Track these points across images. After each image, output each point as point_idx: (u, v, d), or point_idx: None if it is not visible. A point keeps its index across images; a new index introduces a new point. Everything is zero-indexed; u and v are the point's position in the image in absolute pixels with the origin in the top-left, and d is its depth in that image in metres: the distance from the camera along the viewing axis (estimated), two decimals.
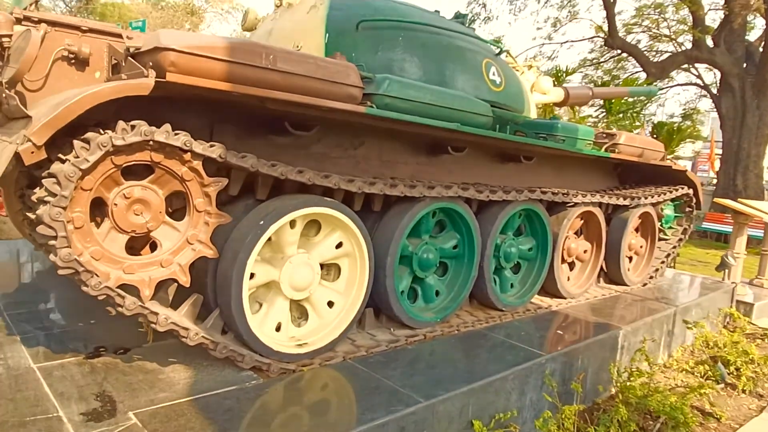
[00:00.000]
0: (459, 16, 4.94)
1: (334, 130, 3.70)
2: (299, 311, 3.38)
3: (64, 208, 2.13)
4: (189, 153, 2.43)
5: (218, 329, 2.92)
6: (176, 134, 2.38)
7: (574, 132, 4.59)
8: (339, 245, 3.30)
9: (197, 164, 2.48)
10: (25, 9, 2.50)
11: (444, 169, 4.48)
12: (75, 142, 2.15)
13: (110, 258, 2.35)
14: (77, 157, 2.14)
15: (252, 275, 2.93)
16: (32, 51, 2.25)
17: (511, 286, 4.65)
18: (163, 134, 2.34)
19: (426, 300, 3.98)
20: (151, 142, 2.32)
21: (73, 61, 2.68)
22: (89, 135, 2.18)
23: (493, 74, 4.45)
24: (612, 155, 5.08)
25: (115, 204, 2.36)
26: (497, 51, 4.67)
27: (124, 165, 2.34)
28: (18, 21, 2.54)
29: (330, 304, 3.34)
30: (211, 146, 2.51)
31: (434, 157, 4.36)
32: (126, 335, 3.22)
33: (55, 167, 2.11)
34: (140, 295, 2.44)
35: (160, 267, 2.48)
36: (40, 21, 2.55)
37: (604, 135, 5.22)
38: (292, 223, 3.05)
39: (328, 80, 2.84)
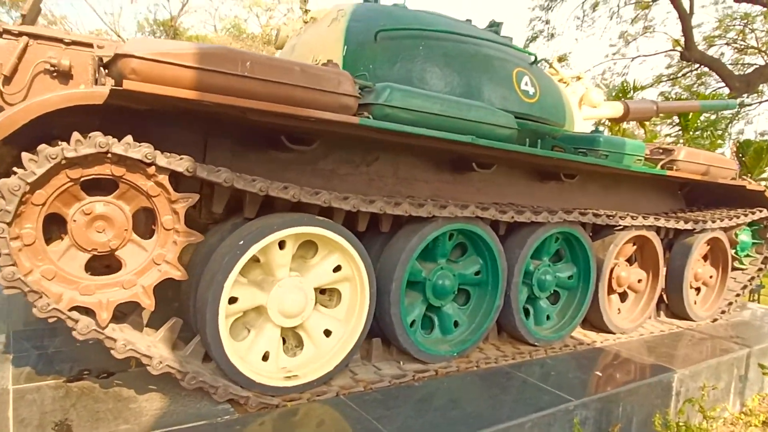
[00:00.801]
0: (493, 25, 4.60)
1: (343, 146, 3.47)
2: (296, 339, 3.12)
3: (9, 224, 2.00)
4: (153, 166, 2.26)
5: (199, 356, 2.72)
6: (137, 146, 2.22)
7: (620, 147, 4.09)
8: (337, 269, 3.03)
9: (163, 179, 2.31)
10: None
11: (471, 188, 4.13)
12: (23, 154, 2.03)
13: (65, 278, 2.20)
14: (25, 170, 2.01)
15: (235, 299, 2.72)
16: None
17: (548, 318, 4.17)
18: (122, 146, 2.18)
19: (443, 331, 3.61)
20: (109, 155, 2.17)
21: (55, 74, 2.61)
22: (39, 147, 2.06)
23: (526, 84, 4.06)
24: (669, 173, 4.50)
25: (74, 220, 2.22)
26: (532, 60, 4.27)
27: (82, 179, 2.20)
28: (3, 32, 2.51)
29: (327, 332, 3.05)
30: (179, 159, 2.33)
31: (459, 174, 4.03)
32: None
33: (2, 181, 2.00)
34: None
35: (121, 288, 2.31)
36: (20, 34, 2.51)
37: (660, 150, 4.64)
38: (282, 244, 2.81)
39: (315, 89, 2.61)
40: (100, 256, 2.34)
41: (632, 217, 4.34)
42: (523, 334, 3.84)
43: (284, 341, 3.13)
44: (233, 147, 3.13)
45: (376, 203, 2.97)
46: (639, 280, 4.68)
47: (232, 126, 3.04)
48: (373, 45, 3.88)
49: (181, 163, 2.32)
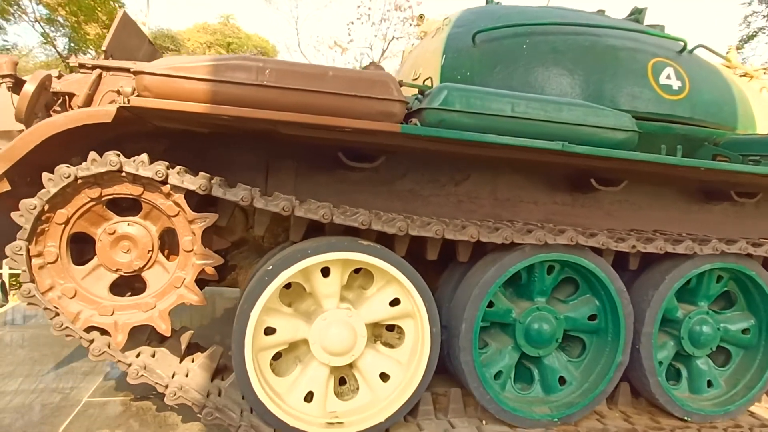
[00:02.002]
0: (635, 12, 3.77)
1: (424, 163, 3.08)
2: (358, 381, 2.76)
3: (28, 241, 2.07)
4: (167, 185, 2.17)
5: (239, 389, 2.54)
6: (149, 164, 2.15)
7: None
8: (395, 302, 2.61)
9: (179, 197, 2.21)
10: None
11: (598, 211, 3.36)
12: (43, 174, 2.10)
13: (86, 297, 2.21)
14: (43, 189, 2.07)
15: (273, 330, 2.49)
16: (21, 100, 2.27)
17: (709, 384, 3.10)
18: (133, 164, 2.13)
19: (545, 389, 2.88)
20: (123, 174, 2.14)
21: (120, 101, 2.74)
22: (57, 167, 2.11)
23: (668, 77, 3.17)
24: None
25: (100, 240, 2.23)
26: (680, 47, 3.34)
27: (104, 198, 2.20)
28: (80, 67, 2.72)
29: (384, 376, 2.63)
30: (193, 177, 2.20)
31: (581, 194, 3.30)
32: None
33: (22, 200, 2.08)
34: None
35: (139, 311, 2.24)
36: (94, 67, 2.69)
37: None
38: (326, 272, 2.52)
39: (347, 95, 2.30)
40: (130, 277, 2.31)
41: None
42: (663, 403, 2.89)
43: (344, 381, 2.81)
44: (298, 168, 2.97)
45: (430, 226, 2.49)
46: None
47: (294, 146, 2.88)
48: (472, 50, 3.43)
49: (195, 181, 2.19)
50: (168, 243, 2.44)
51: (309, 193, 2.96)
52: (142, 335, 2.45)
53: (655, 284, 2.86)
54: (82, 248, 2.34)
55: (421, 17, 4.54)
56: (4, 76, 2.24)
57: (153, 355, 2.41)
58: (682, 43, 3.32)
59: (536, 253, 2.65)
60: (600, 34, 3.25)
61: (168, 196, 2.22)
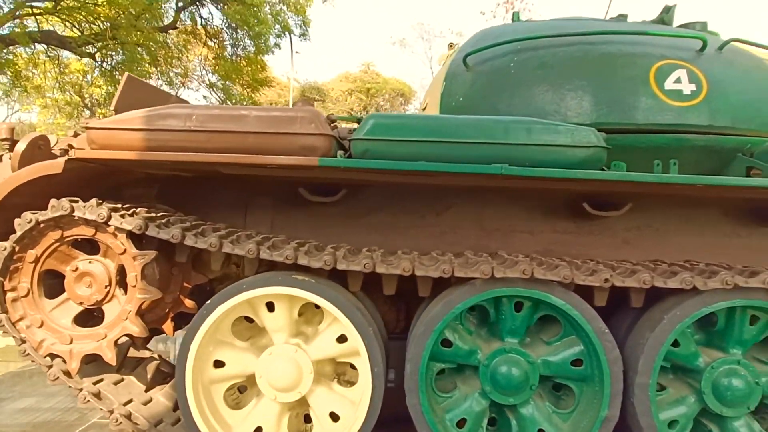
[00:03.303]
0: (664, 12, 3.32)
1: (401, 193, 2.99)
2: None
3: (2, 277, 2.42)
4: (111, 226, 2.41)
5: None
6: (95, 208, 2.40)
7: None
8: (343, 339, 2.54)
9: (122, 237, 2.42)
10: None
11: (613, 239, 2.97)
12: (15, 220, 2.45)
13: (51, 327, 2.50)
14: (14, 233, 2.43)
15: (222, 363, 2.57)
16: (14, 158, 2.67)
17: None
18: (82, 208, 2.40)
19: None
20: (76, 217, 2.42)
21: None
22: (24, 213, 2.45)
23: (676, 82, 2.72)
24: None
25: (66, 276, 2.53)
26: (701, 46, 2.84)
27: (68, 239, 2.50)
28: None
29: (334, 416, 2.55)
30: (129, 217, 2.41)
31: (589, 221, 2.95)
32: None
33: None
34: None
35: (92, 341, 2.48)
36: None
37: None
38: (272, 306, 2.55)
39: (269, 132, 2.36)
40: (93, 309, 2.57)
41: None
42: None
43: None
44: (275, 205, 3.07)
45: (357, 260, 2.40)
46: None
47: (270, 184, 3.00)
48: (465, 74, 3.29)
49: (132, 222, 2.39)
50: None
51: (286, 230, 3.05)
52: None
53: (652, 325, 2.41)
54: (60, 283, 2.65)
55: (451, 46, 4.46)
56: (2, 140, 2.68)
57: (118, 382, 2.62)
58: (702, 41, 2.83)
59: (488, 288, 2.40)
60: (595, 42, 2.92)
61: (115, 236, 2.44)
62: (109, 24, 15.20)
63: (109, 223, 2.38)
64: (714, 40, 2.94)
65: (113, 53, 16.34)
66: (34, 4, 14.07)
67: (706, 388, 2.45)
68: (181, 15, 17.83)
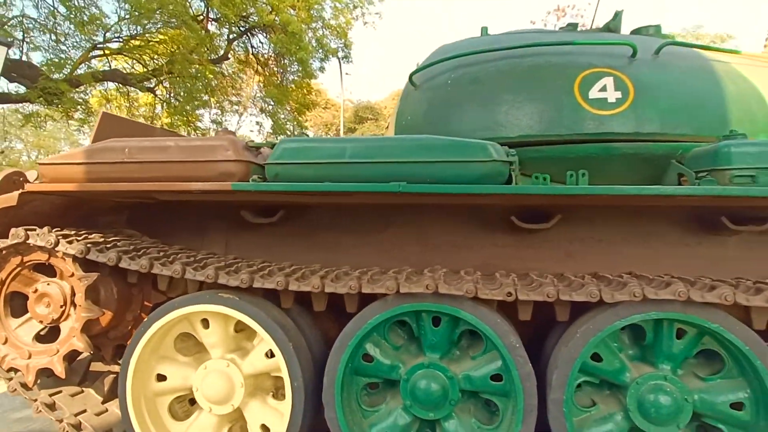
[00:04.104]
0: (614, 18, 3.26)
1: (345, 212, 3.10)
2: None
3: None
4: (59, 252, 2.67)
5: None
6: (45, 235, 2.67)
7: None
8: (272, 354, 2.66)
9: (69, 261, 2.67)
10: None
11: (556, 252, 2.93)
12: None
13: (14, 343, 2.78)
14: None
15: (164, 377, 2.76)
16: None
17: None
18: (35, 236, 2.68)
19: None
20: (30, 244, 2.70)
21: None
22: None
23: (602, 90, 2.67)
24: None
25: (29, 297, 2.81)
26: (631, 52, 2.76)
27: (28, 264, 2.79)
28: None
29: (265, 428, 2.67)
30: (75, 242, 2.65)
31: (529, 234, 2.94)
32: None
33: None
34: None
35: (47, 356, 2.73)
36: None
37: None
38: (206, 323, 2.72)
39: (191, 161, 2.54)
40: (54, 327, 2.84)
41: None
42: None
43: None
44: (228, 227, 3.25)
45: (274, 278, 2.52)
46: None
47: (223, 209, 3.19)
48: (413, 93, 3.38)
49: (75, 247, 2.63)
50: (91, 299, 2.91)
51: (239, 250, 3.23)
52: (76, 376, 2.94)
53: (567, 340, 2.37)
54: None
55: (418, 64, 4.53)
56: None
57: (76, 394, 2.86)
58: (632, 47, 2.76)
59: (399, 304, 2.45)
60: (525, 55, 2.92)
61: (64, 260, 2.70)
62: (165, 60, 16.33)
63: (57, 248, 2.64)
64: (650, 44, 2.85)
65: (171, 86, 17.48)
66: (106, 45, 15.41)
67: (632, 404, 2.37)
68: (234, 45, 18.87)
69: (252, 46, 19.51)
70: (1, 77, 14.33)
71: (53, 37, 14.06)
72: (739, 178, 2.17)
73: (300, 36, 16.71)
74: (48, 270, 2.89)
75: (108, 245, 2.71)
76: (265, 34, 18.76)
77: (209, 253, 3.14)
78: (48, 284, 2.80)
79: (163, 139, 2.66)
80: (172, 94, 17.95)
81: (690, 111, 2.67)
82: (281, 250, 3.15)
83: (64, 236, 2.70)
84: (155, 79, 17.05)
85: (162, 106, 18.25)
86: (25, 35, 13.83)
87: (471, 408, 2.62)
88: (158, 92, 18.04)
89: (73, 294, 2.80)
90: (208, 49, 17.58)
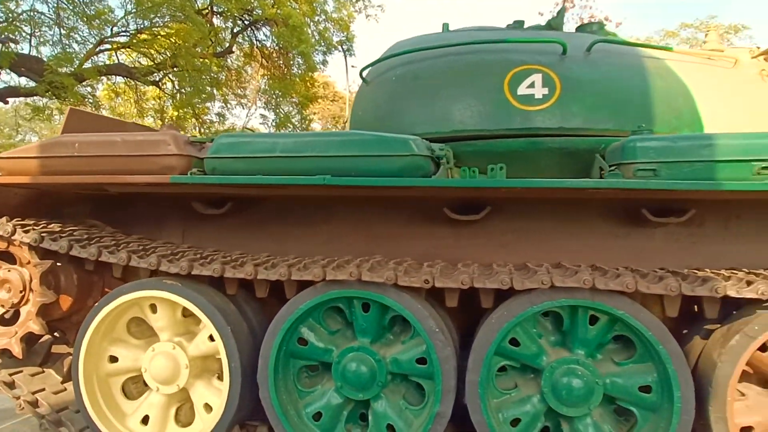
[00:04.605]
0: (558, 15, 3.35)
1: (293, 204, 3.23)
2: None
3: None
4: (17, 240, 2.84)
5: None
6: (4, 224, 2.85)
7: (694, 150, 2.24)
8: (213, 338, 2.81)
9: (25, 249, 2.85)
10: None
11: (492, 243, 3.04)
12: None
13: None
14: None
15: (116, 359, 2.93)
16: None
17: None
18: None
19: None
20: None
21: None
22: None
23: (530, 86, 2.77)
24: None
25: None
26: (562, 50, 2.86)
27: None
28: None
29: (208, 407, 2.83)
30: (30, 232, 2.82)
31: (465, 226, 3.04)
32: None
33: None
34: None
35: (6, 337, 2.91)
36: None
37: None
38: (155, 308, 2.88)
39: (135, 155, 2.70)
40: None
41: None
42: None
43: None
44: (185, 218, 3.40)
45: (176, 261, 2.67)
46: None
47: (180, 201, 3.33)
48: (365, 89, 3.50)
49: (30, 236, 2.80)
50: (54, 285, 3.08)
51: (195, 240, 3.38)
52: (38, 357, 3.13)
53: (485, 325, 2.49)
54: None
55: None
56: None
57: (36, 374, 3.05)
58: (562, 46, 2.85)
59: (327, 290, 2.59)
60: (462, 53, 3.02)
61: (21, 248, 2.88)
62: (169, 54, 16.52)
63: (14, 237, 2.82)
64: (584, 41, 2.94)
65: (176, 79, 17.70)
66: (114, 39, 15.66)
67: (546, 387, 2.49)
68: (239, 39, 19.04)
69: (257, 40, 19.64)
70: (11, 71, 14.66)
71: (62, 31, 14.28)
72: (642, 171, 2.27)
73: (301, 29, 16.82)
74: (11, 258, 3.07)
75: (63, 234, 2.87)
76: (268, 28, 18.88)
77: (166, 242, 3.30)
78: (9, 271, 2.98)
79: (111, 134, 2.81)
80: (177, 88, 18.15)
81: (614, 107, 2.77)
82: (234, 240, 3.30)
83: (22, 226, 2.87)
84: (159, 72, 17.25)
85: (171, 100, 18.49)
86: (34, 30, 14.08)
87: (402, 390, 2.75)
88: (162, 86, 18.25)
89: (32, 280, 2.98)
90: (213, 43, 17.75)
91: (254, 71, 21.78)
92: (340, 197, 3.11)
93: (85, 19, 14.36)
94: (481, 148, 2.84)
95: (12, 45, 13.67)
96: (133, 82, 17.64)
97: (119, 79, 17.87)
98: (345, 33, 19.29)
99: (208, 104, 19.48)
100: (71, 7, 14.35)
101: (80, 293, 3.13)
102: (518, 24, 3.39)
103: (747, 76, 3.05)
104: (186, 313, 2.92)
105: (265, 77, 20.79)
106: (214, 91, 18.72)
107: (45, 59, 14.33)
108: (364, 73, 3.43)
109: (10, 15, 13.50)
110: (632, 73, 2.86)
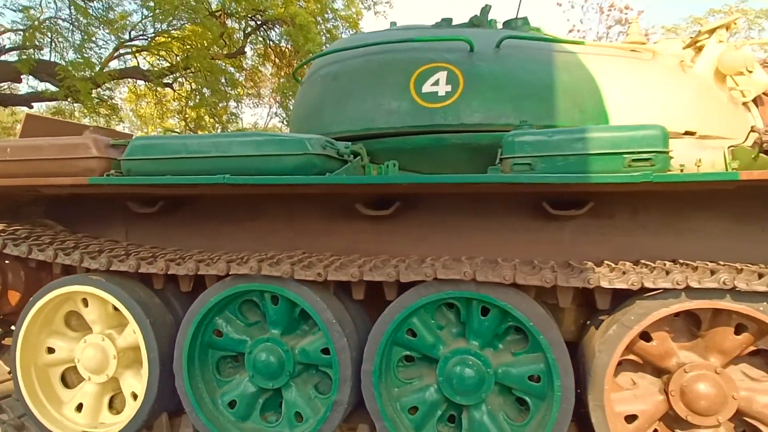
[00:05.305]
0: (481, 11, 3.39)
1: (224, 202, 3.37)
2: None
3: None
4: None
5: None
6: None
7: (568, 144, 2.27)
8: None
9: None
10: None
11: (410, 236, 3.12)
12: None
13: None
14: None
15: (53, 350, 3.11)
16: None
17: None
18: None
19: (289, 424, 2.81)
20: None
21: None
22: None
23: (434, 84, 2.84)
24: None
25: None
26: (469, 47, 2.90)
27: None
28: None
29: (135, 396, 2.99)
30: None
31: (383, 221, 3.13)
32: None
33: None
34: None
35: None
36: None
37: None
38: (86, 302, 3.05)
39: (60, 158, 2.87)
40: None
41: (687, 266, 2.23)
42: None
43: None
44: (128, 218, 3.56)
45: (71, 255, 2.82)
46: None
47: (122, 201, 3.50)
48: (300, 89, 3.61)
49: None
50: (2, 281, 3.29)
51: (137, 238, 3.55)
52: None
53: (383, 315, 2.58)
54: None
55: None
56: None
57: None
58: (469, 43, 2.90)
59: (234, 284, 2.71)
60: (377, 52, 3.10)
61: None
62: (181, 56, 16.91)
63: None
64: (495, 38, 2.97)
65: (192, 81, 18.09)
66: (132, 43, 16.15)
67: (441, 376, 2.56)
68: (252, 39, 19.33)
69: (270, 40, 19.89)
70: (34, 77, 15.23)
71: (83, 37, 14.68)
72: (518, 166, 2.32)
73: (308, 28, 16.98)
74: None
75: (2, 234, 3.07)
76: (279, 27, 19.12)
77: (109, 240, 3.47)
78: None
79: (39, 139, 2.98)
80: (194, 89, 18.51)
81: (516, 102, 2.80)
82: (171, 237, 3.45)
83: None
84: (172, 75, 17.65)
85: (188, 101, 18.90)
86: (55, 36, 14.55)
87: (316, 379, 2.86)
88: (176, 88, 18.67)
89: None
90: (227, 45, 18.08)
91: (273, 71, 22.03)
92: (270, 195, 3.22)
93: (106, 25, 14.76)
94: (392, 145, 2.92)
95: (35, 51, 14.19)
96: (150, 85, 18.10)
97: (139, 82, 18.37)
98: (354, 30, 19.38)
99: (226, 104, 19.82)
100: (91, 11, 14.77)
101: (28, 289, 3.32)
102: (446, 22, 3.43)
103: (666, 68, 3.04)
104: (118, 307, 3.08)
105: (277, 77, 21.04)
106: (231, 91, 19.04)
107: (64, 64, 14.82)
108: (298, 74, 3.53)
109: (34, 22, 13.98)
110: (538, 68, 2.88)
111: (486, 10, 3.30)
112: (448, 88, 2.83)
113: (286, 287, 2.64)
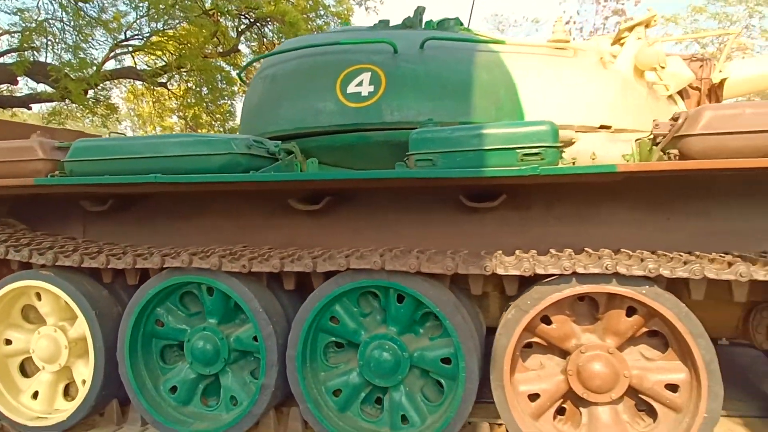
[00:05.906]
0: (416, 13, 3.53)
1: (175, 200, 3.53)
2: None
3: None
4: None
5: None
6: None
7: (464, 140, 2.43)
8: None
9: None
10: None
11: (347, 230, 3.28)
12: None
13: None
14: None
15: (10, 342, 3.30)
16: None
17: (404, 420, 2.71)
18: None
19: (226, 407, 2.99)
20: None
21: None
22: None
23: (358, 85, 2.99)
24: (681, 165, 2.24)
25: None
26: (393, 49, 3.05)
27: None
28: None
29: (84, 383, 3.17)
30: None
31: (320, 215, 3.29)
32: None
33: None
34: None
35: None
36: None
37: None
38: (39, 296, 3.23)
39: (7, 161, 3.04)
40: None
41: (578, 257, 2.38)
42: None
43: None
44: (85, 215, 3.74)
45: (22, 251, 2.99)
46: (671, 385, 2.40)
47: (73, 200, 3.67)
48: (248, 89, 3.76)
49: None
50: None
51: (93, 235, 3.72)
52: None
53: (304, 304, 2.75)
54: None
55: None
56: None
57: None
58: (392, 45, 3.05)
59: (171, 276, 2.88)
60: (311, 55, 3.26)
61: None
62: (175, 55, 17.06)
63: None
64: (419, 38, 3.11)
65: (188, 79, 18.26)
66: (128, 43, 16.32)
67: (362, 360, 2.73)
68: (246, 36, 19.45)
69: (264, 37, 20.01)
70: (29, 78, 15.43)
71: (78, 38, 14.83)
72: (421, 162, 2.47)
73: (298, 26, 17.11)
74: None
75: None
76: (270, 25, 19.23)
77: (66, 237, 3.65)
78: None
79: None
80: (190, 87, 18.65)
81: (435, 101, 2.95)
82: (124, 234, 3.61)
83: None
84: (167, 75, 17.79)
85: (184, 100, 19.06)
86: (49, 37, 14.70)
87: (253, 365, 3.04)
88: (172, 87, 18.85)
89: None
90: (221, 44, 18.21)
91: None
92: (214, 192, 3.39)
93: (100, 25, 14.88)
94: (321, 144, 3.08)
95: (32, 53, 14.36)
96: (147, 85, 18.27)
97: (136, 82, 18.54)
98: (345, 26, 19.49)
99: (226, 101, 19.95)
100: (87, 11, 14.91)
101: None
102: (383, 24, 3.58)
103: (586, 65, 3.18)
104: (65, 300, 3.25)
105: None
106: (229, 88, 19.16)
107: (57, 65, 15.00)
108: (243, 75, 3.68)
109: (31, 23, 14.13)
110: (458, 67, 3.03)
111: (419, 11, 3.44)
112: (371, 88, 2.98)
113: (217, 279, 2.81)
